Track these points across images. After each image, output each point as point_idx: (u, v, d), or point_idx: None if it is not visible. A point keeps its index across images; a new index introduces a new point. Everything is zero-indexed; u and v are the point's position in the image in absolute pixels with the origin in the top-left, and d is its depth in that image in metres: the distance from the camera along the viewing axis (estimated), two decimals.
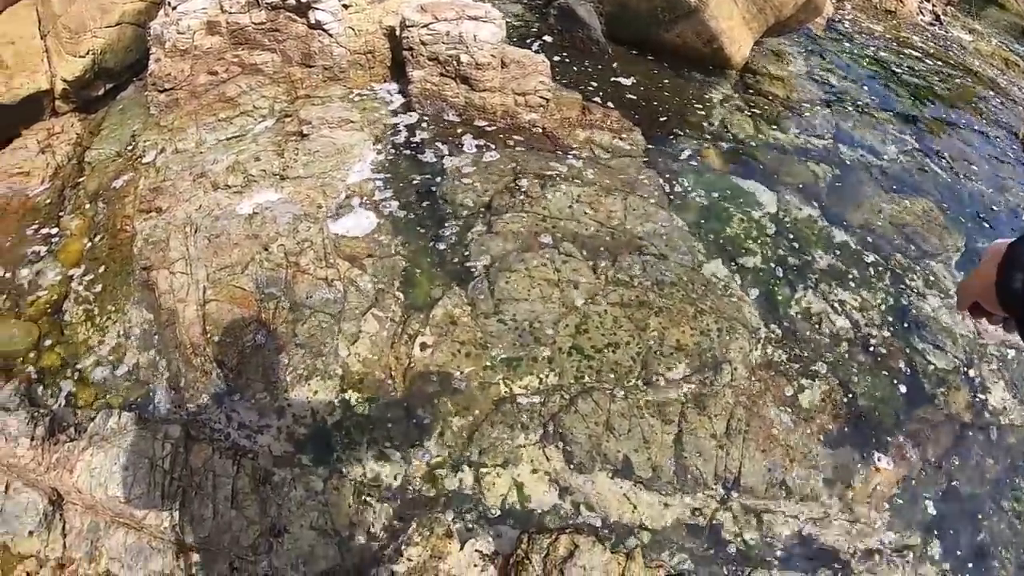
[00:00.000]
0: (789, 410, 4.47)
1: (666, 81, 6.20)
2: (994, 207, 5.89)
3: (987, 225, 5.74)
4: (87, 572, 4.06)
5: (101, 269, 4.98)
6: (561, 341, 4.44)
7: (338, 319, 4.49)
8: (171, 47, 5.58)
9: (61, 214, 5.48)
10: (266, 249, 4.69)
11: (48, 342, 4.68)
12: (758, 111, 6.12)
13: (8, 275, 5.09)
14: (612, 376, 4.36)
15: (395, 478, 4.12)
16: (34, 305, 4.90)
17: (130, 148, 5.66)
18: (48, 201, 5.61)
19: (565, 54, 6.03)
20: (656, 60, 6.39)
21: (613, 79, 6.05)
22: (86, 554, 4.06)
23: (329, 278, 4.58)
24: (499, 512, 4.05)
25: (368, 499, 4.06)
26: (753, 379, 4.51)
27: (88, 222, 5.34)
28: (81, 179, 5.67)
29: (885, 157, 6.01)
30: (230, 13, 5.65)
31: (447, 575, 3.85)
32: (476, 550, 3.92)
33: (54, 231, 5.32)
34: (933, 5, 8.54)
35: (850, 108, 6.43)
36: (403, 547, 3.95)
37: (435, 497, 4.08)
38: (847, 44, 7.22)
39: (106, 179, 5.56)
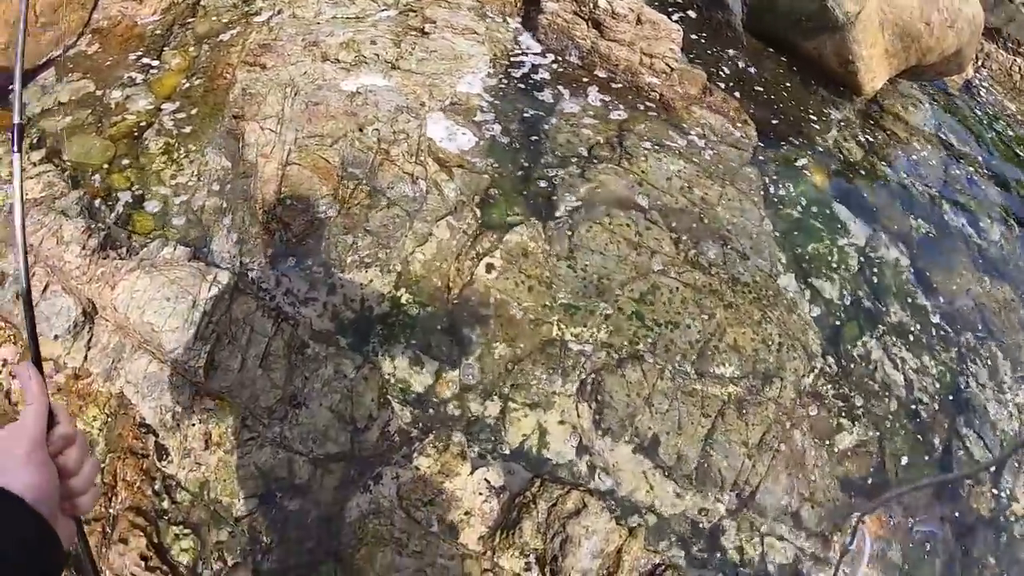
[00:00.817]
0: (823, 445, 4.14)
1: (790, 86, 5.78)
2: None
3: None
4: (100, 389, 3.83)
5: (192, 109, 4.68)
6: (624, 303, 4.11)
7: (412, 217, 4.19)
8: None
9: (164, 48, 5.18)
10: (360, 129, 4.38)
11: (123, 163, 4.42)
12: (873, 144, 5.69)
13: (99, 93, 4.80)
14: (665, 353, 4.04)
15: (423, 387, 3.84)
16: (117, 126, 4.62)
17: (246, 2, 5.36)
18: (155, 32, 5.30)
19: (700, 32, 5.63)
20: (787, 63, 5.96)
21: (740, 69, 5.64)
22: (104, 371, 3.83)
23: (415, 175, 4.28)
24: (515, 450, 3.76)
25: (392, 399, 3.79)
26: (798, 403, 4.17)
27: (189, 61, 5.03)
28: (192, 20, 5.35)
29: (985, 236, 5.57)
30: None
31: (450, 494, 3.59)
32: (485, 479, 3.64)
33: (154, 63, 5.02)
34: None
35: (964, 175, 5.97)
36: (414, 455, 3.68)
37: (457, 417, 3.80)
38: (978, 112, 6.74)
39: (217, 26, 5.23)
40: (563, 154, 4.61)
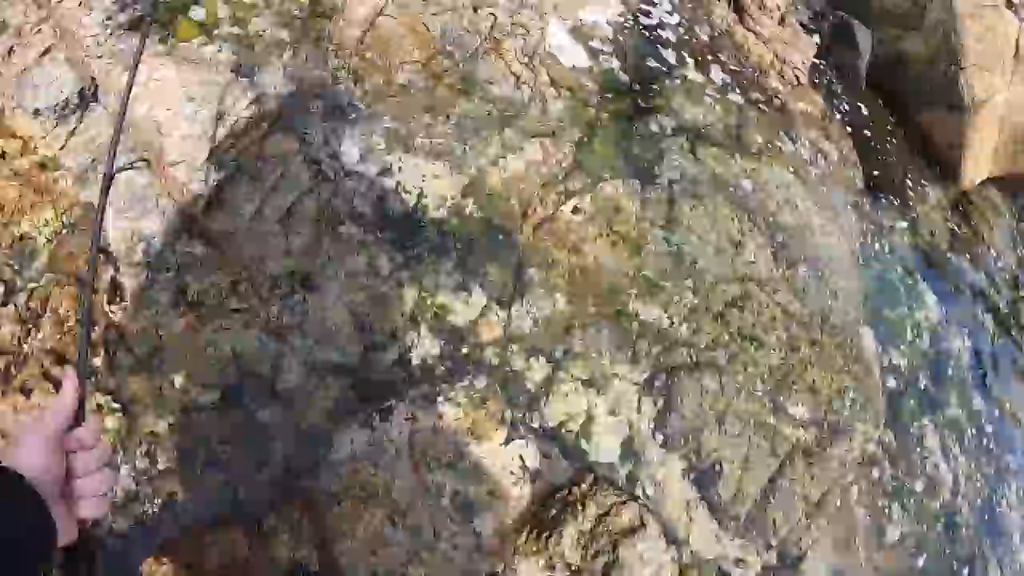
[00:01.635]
0: (874, 532, 3.42)
1: (896, 147, 5.17)
2: None
3: None
4: (66, 189, 2.75)
5: None
6: (712, 300, 3.27)
7: (507, 122, 3.28)
8: None
9: None
10: (475, 9, 3.43)
11: None
12: (958, 235, 5.11)
13: None
14: (743, 371, 3.23)
15: (464, 321, 2.88)
16: None
17: None
18: None
19: (823, 64, 4.98)
20: (898, 125, 5.37)
21: (855, 113, 5.00)
22: (79, 169, 2.73)
23: (522, 77, 3.36)
24: (553, 430, 2.86)
25: (423, 321, 2.84)
26: (860, 471, 3.44)
27: None
28: None
29: None
30: None
31: (475, 462, 2.63)
32: (520, 456, 2.71)
33: None
34: None
35: None
36: (440, 398, 2.72)
37: (494, 368, 2.87)
38: None
39: None
40: (677, 122, 3.79)
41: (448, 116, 3.17)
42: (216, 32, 3.15)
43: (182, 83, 2.75)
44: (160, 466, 2.50)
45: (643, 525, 2.55)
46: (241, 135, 2.80)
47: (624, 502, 2.59)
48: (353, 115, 3.08)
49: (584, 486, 2.60)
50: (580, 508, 2.54)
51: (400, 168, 3.03)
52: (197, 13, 3.18)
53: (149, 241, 2.64)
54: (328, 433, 2.61)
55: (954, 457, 3.91)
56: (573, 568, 2.47)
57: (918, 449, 3.78)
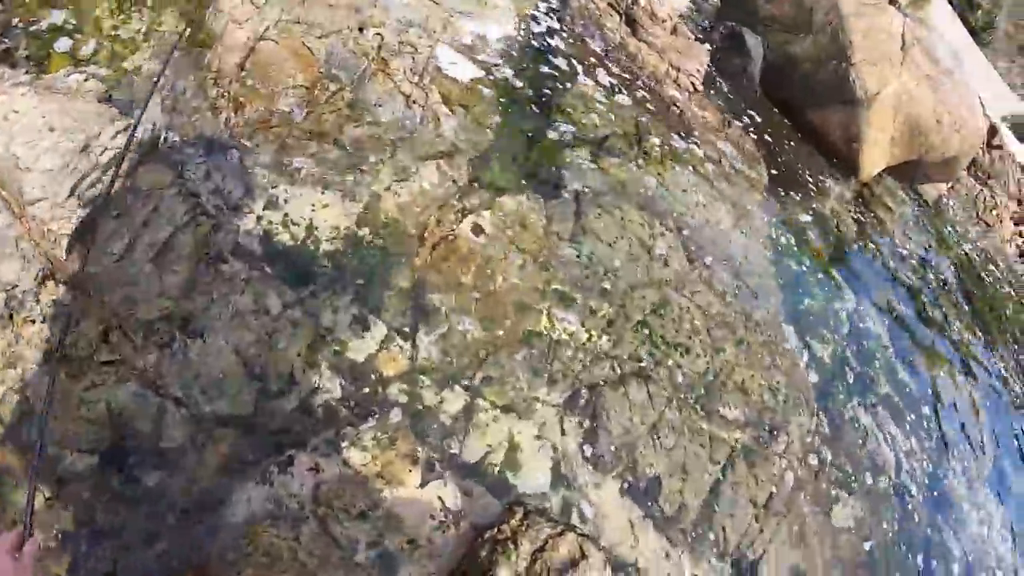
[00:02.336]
0: (825, 516, 3.17)
1: (796, 148, 5.07)
2: None
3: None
4: None
5: None
6: (631, 310, 3.02)
7: (398, 144, 2.99)
8: None
9: None
10: (361, 30, 3.16)
11: None
12: (864, 224, 5.03)
13: None
14: (670, 379, 2.97)
15: (365, 357, 2.53)
16: None
17: None
18: None
19: (716, 72, 4.87)
20: (793, 126, 5.29)
21: (752, 116, 4.90)
22: None
23: (413, 97, 3.09)
24: (475, 465, 2.52)
25: (322, 360, 2.50)
26: (802, 464, 3.20)
27: None
28: None
29: (955, 335, 4.98)
30: None
31: (390, 510, 2.27)
32: (439, 497, 2.37)
33: None
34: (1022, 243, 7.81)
35: (938, 275, 5.46)
36: (344, 443, 2.36)
37: (403, 404, 2.53)
38: (947, 228, 6.34)
39: None
40: (575, 134, 3.57)
41: (336, 142, 2.87)
42: (89, 63, 2.82)
43: (42, 113, 2.39)
44: (39, 544, 2.08)
45: (584, 556, 2.22)
46: (108, 167, 2.44)
47: (560, 533, 2.26)
48: (234, 146, 2.76)
49: (514, 522, 2.26)
50: (513, 546, 2.20)
51: (286, 200, 2.71)
52: (62, 44, 2.84)
53: (9, 290, 2.25)
54: (222, 493, 2.22)
55: (893, 436, 3.73)
56: None
57: (856, 433, 3.58)
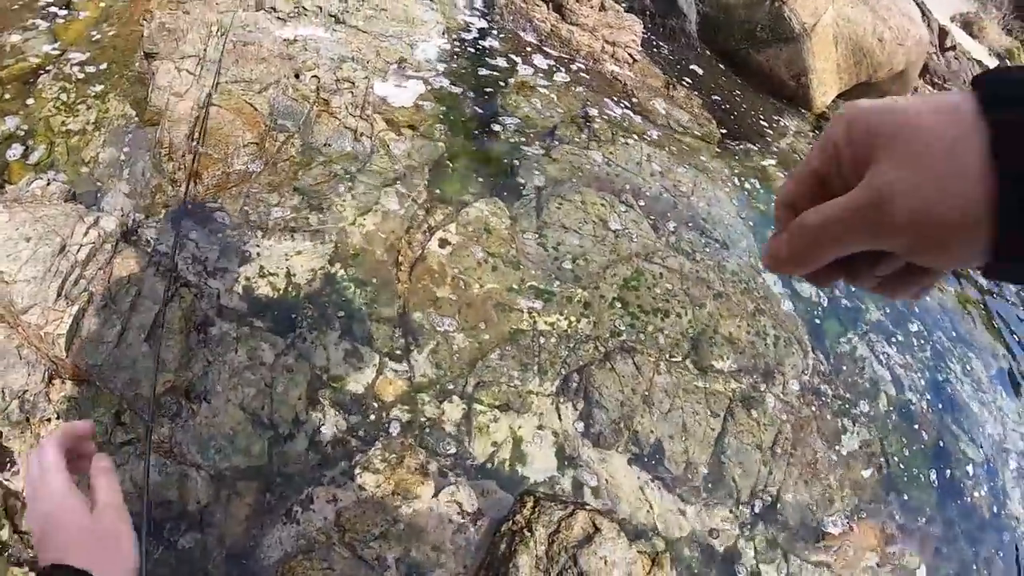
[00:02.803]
0: (833, 447, 3.26)
1: (745, 95, 5.10)
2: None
3: (1019, 338, 4.80)
4: None
5: (98, 53, 3.44)
6: (605, 289, 3.13)
7: (354, 178, 3.08)
8: None
9: None
10: (296, 76, 3.26)
11: (9, 107, 3.14)
12: None
13: None
14: (656, 345, 3.06)
15: (363, 385, 2.66)
16: (8, 68, 3.34)
17: None
18: None
19: (655, 36, 4.92)
20: (738, 74, 5.32)
21: (696, 72, 4.93)
22: None
23: (359, 131, 3.19)
24: (483, 465, 2.63)
25: (323, 398, 2.62)
26: (803, 402, 3.29)
27: (102, 10, 3.84)
28: None
29: None
30: None
31: (410, 522, 2.40)
32: (455, 501, 2.48)
33: (62, 12, 3.80)
34: None
35: None
36: (357, 471, 2.48)
37: (408, 423, 2.65)
38: None
39: None
40: (525, 130, 3.67)
41: (295, 189, 2.98)
42: (48, 167, 2.95)
43: (15, 226, 2.50)
44: None
45: (597, 529, 2.34)
46: (88, 262, 2.56)
47: (571, 513, 2.37)
48: (201, 215, 2.87)
49: (526, 511, 2.38)
50: (529, 534, 2.32)
51: (259, 253, 2.82)
52: (15, 151, 2.97)
53: (21, 396, 2.37)
54: (254, 540, 2.35)
55: (887, 356, 3.80)
56: None
57: (854, 363, 3.66)
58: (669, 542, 2.67)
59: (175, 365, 2.49)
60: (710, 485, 2.81)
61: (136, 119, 3.13)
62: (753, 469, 2.88)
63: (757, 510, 2.87)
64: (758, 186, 4.24)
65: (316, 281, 2.84)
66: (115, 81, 3.30)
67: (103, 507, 0.96)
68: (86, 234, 2.56)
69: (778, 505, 2.91)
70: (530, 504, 2.39)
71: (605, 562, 2.25)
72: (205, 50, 3.22)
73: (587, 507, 2.45)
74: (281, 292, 2.77)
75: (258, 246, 2.84)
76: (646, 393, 2.85)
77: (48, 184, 2.70)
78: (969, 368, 4.15)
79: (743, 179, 4.21)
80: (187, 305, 2.60)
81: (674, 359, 3.02)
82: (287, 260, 2.84)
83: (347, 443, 2.55)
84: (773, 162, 4.54)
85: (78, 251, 2.54)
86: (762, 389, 3.14)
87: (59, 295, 2.44)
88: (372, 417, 2.62)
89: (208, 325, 2.62)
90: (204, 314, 2.64)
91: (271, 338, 2.66)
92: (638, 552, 2.37)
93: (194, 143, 2.95)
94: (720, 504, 2.80)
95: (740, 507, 2.85)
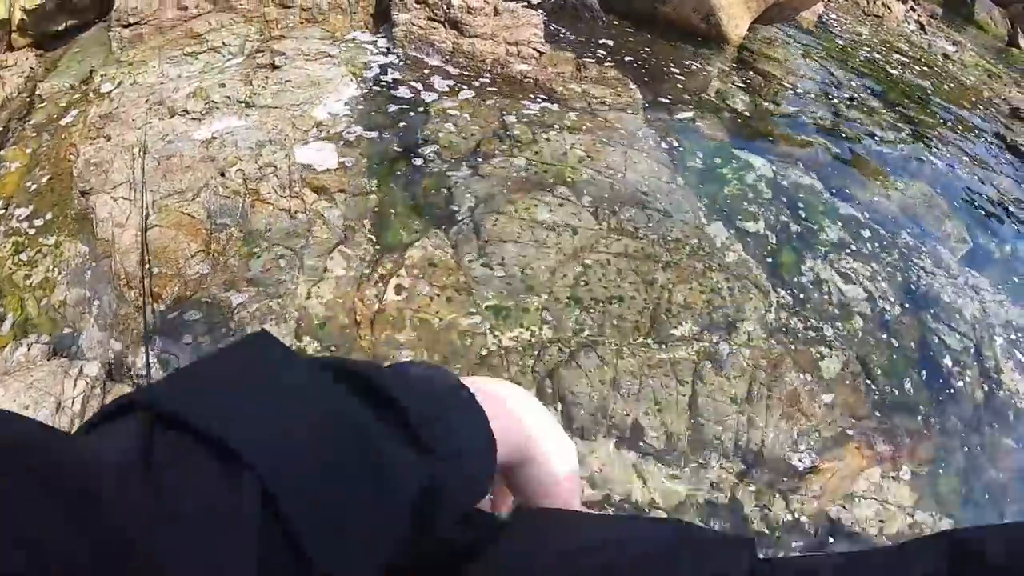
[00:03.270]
0: (812, 378, 3.38)
1: (661, 51, 5.15)
2: (989, 200, 4.99)
3: (982, 212, 4.82)
4: None
5: (38, 201, 3.67)
6: (558, 291, 3.27)
7: (300, 255, 3.26)
8: None
9: (2, 151, 4.19)
10: (222, 174, 3.44)
11: None
12: (755, 87, 5.10)
13: None
14: (617, 331, 3.21)
15: None
16: None
17: (85, 83, 4.36)
18: None
19: (557, 18, 4.99)
20: (650, 31, 5.36)
21: (606, 44, 5.00)
22: None
23: (293, 209, 3.36)
24: None
25: None
26: (771, 342, 3.41)
27: (31, 156, 4.04)
28: (29, 114, 4.37)
29: (882, 141, 5.05)
30: None
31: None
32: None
33: None
34: (918, 16, 7.73)
35: (845, 96, 5.46)
36: None
37: None
38: (838, 41, 6.32)
39: (56, 112, 4.23)
40: (450, 157, 3.79)
41: (248, 280, 3.17)
42: (24, 329, 3.17)
43: (12, 398, 2.72)
44: None
45: None
46: (83, 409, 2.78)
47: None
48: (171, 328, 3.06)
49: None
50: None
51: None
52: (6, 322, 3.20)
53: None
54: None
55: (853, 272, 3.88)
56: None
57: (819, 290, 3.75)
58: (669, 511, 2.83)
59: None
60: (695, 448, 2.97)
61: (90, 255, 3.33)
62: (732, 422, 3.03)
63: (747, 459, 3.02)
64: (692, 143, 4.31)
65: None
66: (62, 223, 3.50)
67: None
68: (75, 386, 2.78)
69: (765, 449, 3.05)
70: None
71: None
72: (133, 173, 3.40)
73: None
74: None
75: (232, 341, 3.03)
76: (614, 380, 3.00)
77: (29, 349, 2.92)
78: (937, 259, 4.21)
79: (674, 138, 4.28)
80: None
81: (636, 340, 3.16)
82: None
83: None
84: (700, 112, 4.59)
85: (72, 404, 2.76)
86: (726, 343, 3.27)
87: None
88: None
89: None
90: None
91: None
92: None
93: (146, 267, 3.14)
94: (709, 463, 2.96)
95: (729, 461, 3.00)
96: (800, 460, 3.08)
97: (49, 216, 3.54)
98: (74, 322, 3.18)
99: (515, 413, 0.70)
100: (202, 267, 3.19)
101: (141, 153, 3.50)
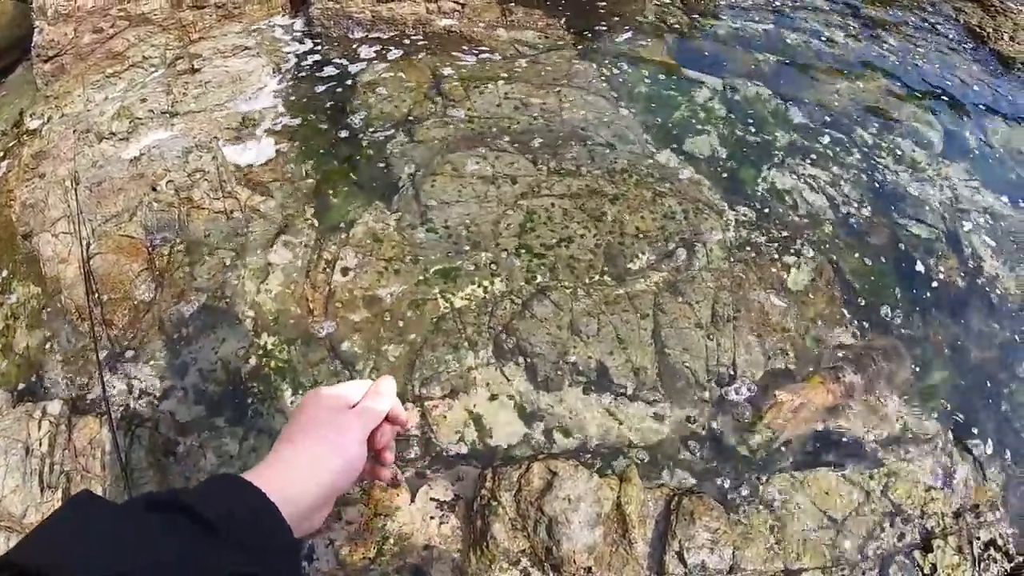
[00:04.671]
0: (780, 292, 3.25)
1: None
2: (948, 83, 4.72)
3: (947, 99, 4.56)
4: None
5: None
6: (504, 242, 3.18)
7: (242, 253, 3.20)
8: (53, 13, 4.28)
9: None
10: (154, 189, 3.38)
11: None
12: (693, 4, 4.89)
13: None
14: (570, 273, 3.11)
15: None
16: None
17: (16, 126, 4.31)
18: None
19: None
20: None
21: None
22: None
23: (228, 209, 3.29)
24: (456, 453, 2.77)
25: None
26: (733, 260, 3.28)
27: None
28: None
29: (832, 41, 4.80)
30: None
31: (398, 535, 2.58)
32: (431, 498, 2.64)
33: None
34: None
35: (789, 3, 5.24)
36: (341, 508, 2.68)
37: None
38: None
39: None
40: (384, 126, 3.68)
41: (196, 289, 3.12)
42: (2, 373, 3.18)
43: None
44: None
45: (554, 474, 2.47)
46: (51, 450, 2.78)
47: (527, 468, 2.50)
48: (130, 353, 3.04)
49: (488, 482, 2.52)
50: (496, 502, 2.46)
51: (194, 358, 2.99)
52: None
53: None
54: None
55: (814, 177, 3.71)
56: (525, 550, 2.40)
57: (777, 198, 3.60)
58: (651, 448, 2.76)
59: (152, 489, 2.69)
60: (666, 381, 2.88)
61: (43, 295, 3.30)
62: (699, 349, 2.93)
63: (722, 384, 2.93)
64: (632, 72, 4.13)
65: (251, 358, 2.99)
66: (13, 271, 3.49)
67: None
68: (40, 428, 2.78)
69: (739, 370, 2.95)
70: (490, 475, 2.52)
71: (569, 501, 2.39)
72: (69, 206, 3.35)
73: (539, 457, 2.57)
74: (225, 383, 2.94)
75: (190, 353, 3.00)
76: (571, 323, 2.92)
77: None
78: (900, 152, 4.02)
79: (613, 69, 4.11)
80: (147, 440, 2.80)
81: (591, 280, 3.06)
82: (216, 353, 2.99)
83: None
84: (639, 37, 4.39)
85: (40, 445, 2.76)
86: (685, 268, 3.15)
87: (42, 490, 2.67)
88: None
89: (174, 447, 2.82)
90: (166, 438, 2.83)
91: (231, 430, 2.84)
92: (601, 478, 2.48)
93: (94, 296, 3.10)
94: (682, 394, 2.88)
95: (703, 389, 2.91)
96: (775, 378, 2.98)
97: (4, 276, 3.50)
98: (39, 364, 3.18)
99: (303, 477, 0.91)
100: (149, 286, 3.15)
101: (74, 185, 3.44)
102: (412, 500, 2.62)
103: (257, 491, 0.82)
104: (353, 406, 1.06)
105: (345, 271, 3.12)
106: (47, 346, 3.20)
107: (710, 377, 2.95)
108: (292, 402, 2.91)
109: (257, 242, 3.22)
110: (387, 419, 1.11)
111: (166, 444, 2.83)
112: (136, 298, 3.15)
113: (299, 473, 0.91)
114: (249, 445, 2.81)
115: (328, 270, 3.14)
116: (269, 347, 3.02)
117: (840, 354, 3.12)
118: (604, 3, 4.68)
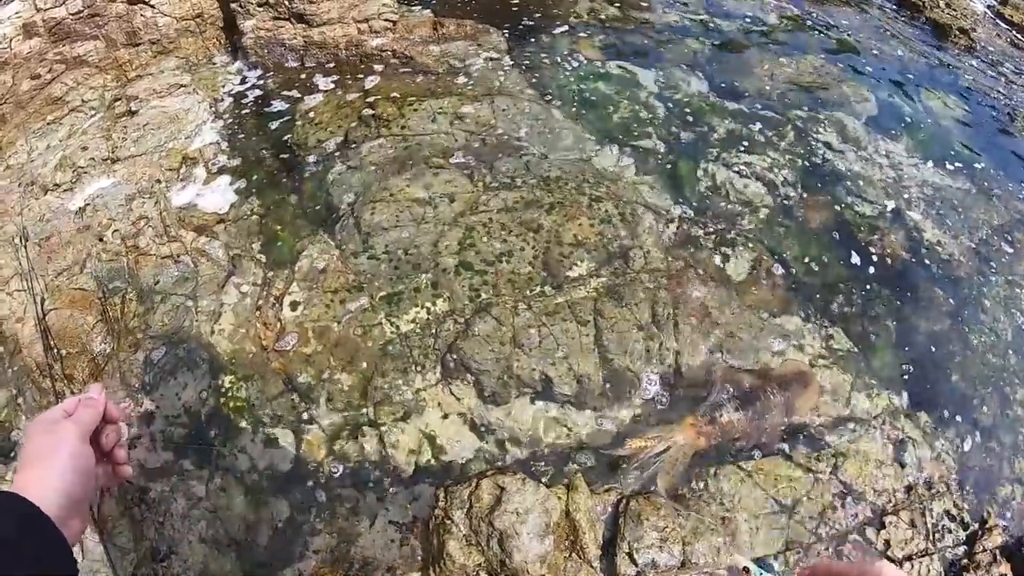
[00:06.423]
0: (719, 284, 3.33)
1: None
2: (885, 57, 4.74)
3: (884, 72, 4.59)
4: None
5: None
6: (444, 262, 3.25)
7: (193, 297, 3.27)
8: None
9: None
10: (101, 239, 3.44)
11: None
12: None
13: None
14: (511, 287, 3.19)
15: (288, 461, 2.93)
16: None
17: None
18: None
19: None
20: None
21: None
22: None
23: (175, 254, 3.35)
24: (413, 472, 2.89)
25: (261, 493, 2.89)
26: (670, 259, 3.36)
27: None
28: None
29: (765, 24, 4.82)
30: (44, 10, 4.33)
31: (363, 559, 2.70)
32: (390, 522, 2.76)
33: None
34: None
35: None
36: (308, 539, 2.78)
37: (339, 474, 2.91)
38: None
39: None
40: (321, 155, 3.72)
41: (151, 337, 3.18)
42: None
43: None
44: None
45: (502, 489, 2.57)
46: None
47: (476, 485, 2.61)
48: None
49: (441, 502, 2.63)
50: (449, 521, 2.57)
51: (157, 405, 3.07)
52: None
53: None
54: None
55: (748, 165, 3.77)
56: (480, 564, 2.51)
57: (715, 191, 3.66)
58: (599, 452, 2.86)
59: (132, 544, 2.79)
60: (610, 383, 2.97)
61: (4, 355, 3.36)
62: (640, 349, 3.02)
63: (671, 379, 3.01)
64: (567, 75, 4.16)
65: (210, 400, 3.07)
66: None
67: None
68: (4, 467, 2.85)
69: (683, 366, 3.03)
70: (442, 494, 2.63)
71: (517, 514, 2.50)
72: (20, 264, 3.39)
73: (487, 473, 2.67)
74: (188, 428, 3.01)
75: (151, 401, 3.08)
76: (513, 338, 3.00)
77: None
78: (841, 131, 4.06)
79: (548, 76, 4.14)
80: (118, 489, 2.88)
81: (532, 292, 3.14)
82: (179, 399, 3.07)
83: (295, 519, 2.83)
84: (572, 37, 4.40)
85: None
86: (623, 272, 3.23)
87: None
88: (309, 482, 2.88)
89: (145, 493, 2.90)
90: (137, 487, 2.91)
91: (196, 472, 2.93)
92: (548, 489, 2.59)
93: (52, 351, 3.16)
94: (628, 396, 2.97)
95: (652, 384, 3.00)
96: (719, 369, 3.06)
97: None
98: (7, 421, 3.24)
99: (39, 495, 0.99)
100: (104, 337, 3.21)
101: (23, 241, 3.48)
102: (372, 525, 2.73)
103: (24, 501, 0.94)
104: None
105: (294, 305, 3.19)
106: (14, 407, 3.28)
107: (653, 376, 3.04)
108: (253, 440, 2.99)
109: (207, 285, 3.29)
110: (106, 420, 1.19)
111: (137, 492, 2.92)
112: (94, 351, 3.22)
113: (33, 492, 0.98)
114: (216, 485, 2.90)
115: (277, 306, 3.21)
116: (227, 386, 3.10)
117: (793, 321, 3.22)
118: (537, 4, 4.68)
